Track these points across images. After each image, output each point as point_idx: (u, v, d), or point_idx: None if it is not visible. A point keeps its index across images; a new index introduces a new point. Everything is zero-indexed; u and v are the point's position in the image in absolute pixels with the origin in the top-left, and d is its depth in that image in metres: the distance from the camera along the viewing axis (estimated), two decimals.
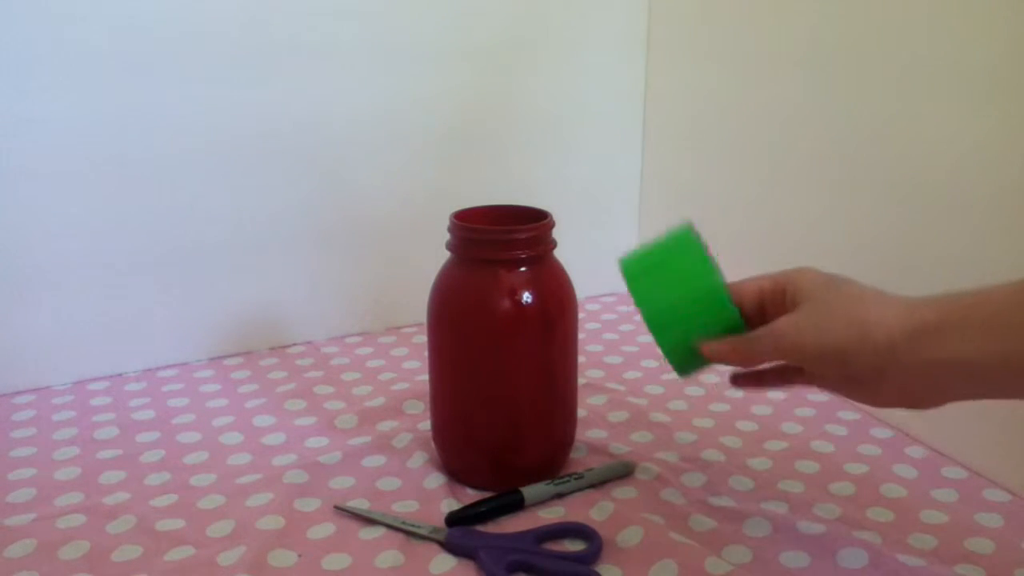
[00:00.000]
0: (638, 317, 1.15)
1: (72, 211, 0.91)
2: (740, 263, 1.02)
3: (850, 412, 0.87)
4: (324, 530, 0.69)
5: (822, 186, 0.89)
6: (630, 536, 0.67)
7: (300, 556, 0.66)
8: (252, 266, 1.00)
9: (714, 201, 1.07)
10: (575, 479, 0.74)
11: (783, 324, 0.54)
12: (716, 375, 0.96)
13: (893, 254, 0.82)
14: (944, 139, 0.76)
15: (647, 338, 1.06)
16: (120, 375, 0.97)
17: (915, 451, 0.79)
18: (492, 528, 0.69)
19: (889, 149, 0.81)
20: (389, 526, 0.69)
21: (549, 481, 0.73)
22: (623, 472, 0.76)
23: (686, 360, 0.61)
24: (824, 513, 0.70)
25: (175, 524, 0.70)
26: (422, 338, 0.77)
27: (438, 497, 0.73)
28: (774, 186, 0.96)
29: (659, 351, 0.60)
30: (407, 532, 0.68)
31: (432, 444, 0.78)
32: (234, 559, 0.65)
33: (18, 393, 0.92)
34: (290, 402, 0.90)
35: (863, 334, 0.51)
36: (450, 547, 0.66)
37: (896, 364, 0.49)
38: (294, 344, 1.05)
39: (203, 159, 0.95)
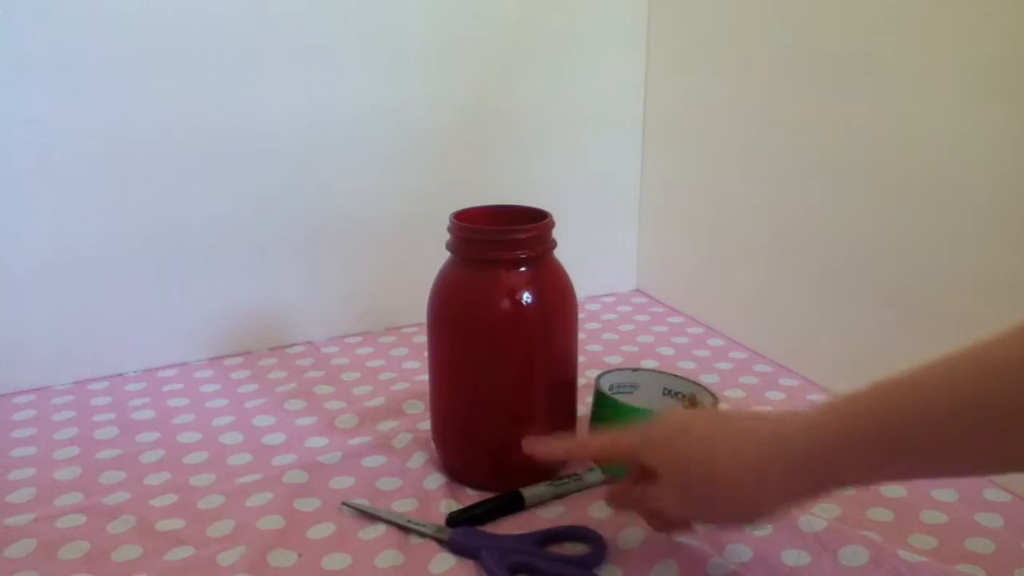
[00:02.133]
0: (638, 316, 1.15)
1: (72, 211, 0.91)
2: (739, 263, 1.03)
3: None
4: (324, 530, 0.69)
5: (821, 186, 0.89)
6: (631, 537, 0.67)
7: (300, 556, 0.66)
8: (252, 266, 1.00)
9: (714, 201, 1.07)
10: (575, 480, 0.74)
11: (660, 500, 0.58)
12: (716, 375, 0.96)
13: (890, 254, 0.82)
14: (943, 139, 0.76)
15: (647, 338, 1.07)
16: (120, 375, 0.97)
17: None
18: (492, 529, 0.69)
19: (888, 149, 0.81)
20: (394, 524, 0.69)
21: (549, 482, 0.73)
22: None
23: None
24: (825, 513, 0.70)
25: (175, 524, 0.70)
26: (422, 338, 0.77)
27: (438, 497, 0.73)
28: (774, 186, 0.96)
29: None
30: (411, 530, 0.68)
31: (432, 444, 0.78)
32: (234, 559, 0.65)
33: (18, 393, 0.92)
34: (290, 402, 0.90)
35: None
36: (453, 547, 0.66)
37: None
38: (294, 344, 1.05)
39: (204, 159, 0.95)
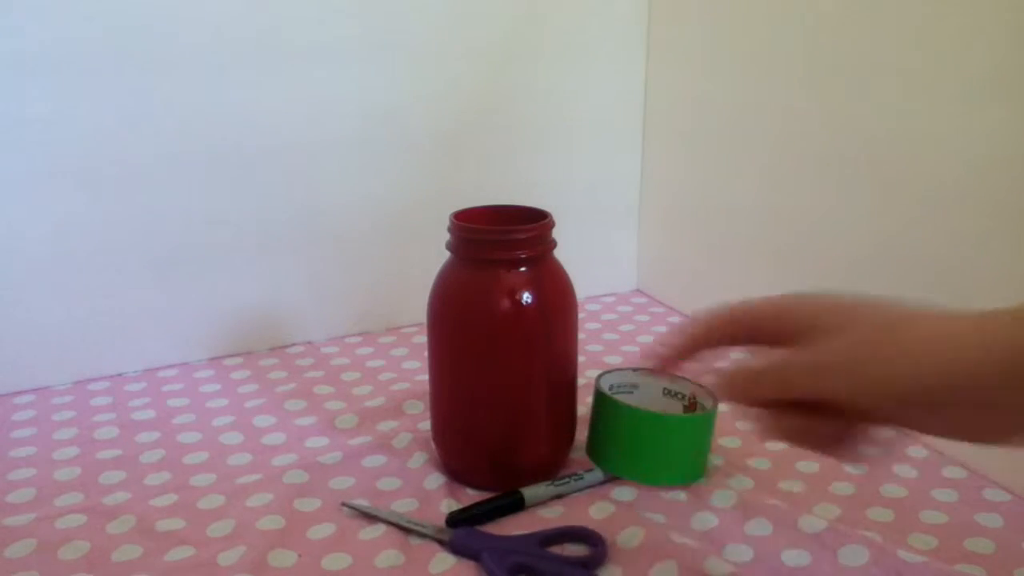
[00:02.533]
0: (638, 316, 1.15)
1: (72, 211, 0.91)
2: (739, 263, 1.03)
3: None
4: (324, 530, 0.69)
5: (821, 186, 0.89)
6: (630, 537, 0.67)
7: (300, 556, 0.66)
8: (252, 266, 1.00)
9: (713, 201, 1.07)
10: (575, 479, 0.74)
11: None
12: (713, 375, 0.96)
13: (891, 255, 0.82)
14: (946, 140, 0.76)
15: (647, 338, 1.07)
16: (120, 375, 0.97)
17: (915, 451, 0.79)
18: (493, 529, 0.69)
19: (890, 149, 0.81)
20: (395, 525, 0.69)
21: (550, 482, 0.73)
22: (624, 473, 0.75)
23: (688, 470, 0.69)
24: (825, 513, 0.70)
25: (175, 524, 0.70)
26: (422, 338, 0.77)
27: (438, 497, 0.73)
28: (774, 185, 0.96)
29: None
30: (412, 531, 0.68)
31: (432, 444, 0.78)
32: (234, 559, 0.65)
33: (18, 393, 0.92)
34: (290, 402, 0.90)
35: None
36: (454, 547, 0.66)
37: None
38: (294, 344, 1.05)
39: (204, 159, 0.95)
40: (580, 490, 0.74)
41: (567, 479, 0.74)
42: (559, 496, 0.73)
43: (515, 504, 0.71)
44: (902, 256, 0.81)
